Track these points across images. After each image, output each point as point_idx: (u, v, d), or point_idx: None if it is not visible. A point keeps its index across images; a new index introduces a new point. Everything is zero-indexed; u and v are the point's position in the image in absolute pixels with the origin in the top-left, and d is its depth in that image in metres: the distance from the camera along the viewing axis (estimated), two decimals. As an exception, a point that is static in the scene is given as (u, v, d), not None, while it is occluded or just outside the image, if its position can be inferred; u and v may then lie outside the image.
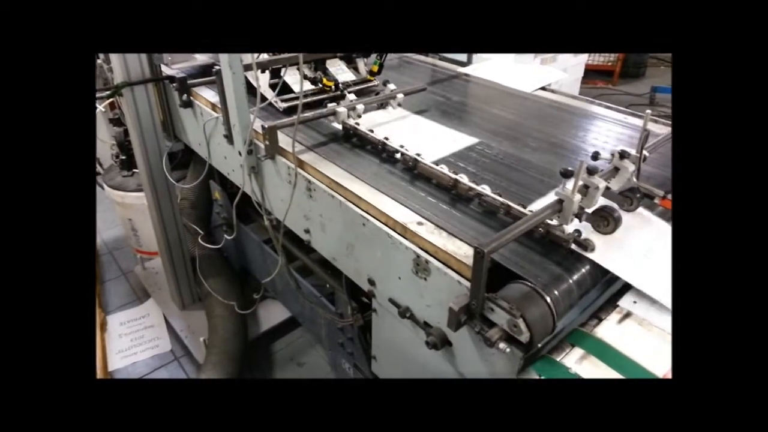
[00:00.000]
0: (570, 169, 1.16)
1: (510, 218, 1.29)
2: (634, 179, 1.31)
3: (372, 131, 1.71)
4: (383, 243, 1.35)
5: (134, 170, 2.81)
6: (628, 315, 1.16)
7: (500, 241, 1.04)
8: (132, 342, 3.06)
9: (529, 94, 2.31)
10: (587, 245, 1.16)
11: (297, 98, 1.74)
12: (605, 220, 1.24)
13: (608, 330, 1.13)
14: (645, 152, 1.34)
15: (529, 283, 1.07)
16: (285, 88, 1.99)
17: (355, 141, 1.76)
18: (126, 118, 2.49)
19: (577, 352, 1.09)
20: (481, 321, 1.07)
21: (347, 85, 2.10)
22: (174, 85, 2.20)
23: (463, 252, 1.18)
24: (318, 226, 1.65)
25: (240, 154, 1.77)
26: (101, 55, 2.46)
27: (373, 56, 2.28)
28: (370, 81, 2.23)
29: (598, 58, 7.43)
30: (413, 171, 1.54)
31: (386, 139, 1.65)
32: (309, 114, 1.77)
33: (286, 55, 2.06)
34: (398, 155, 1.60)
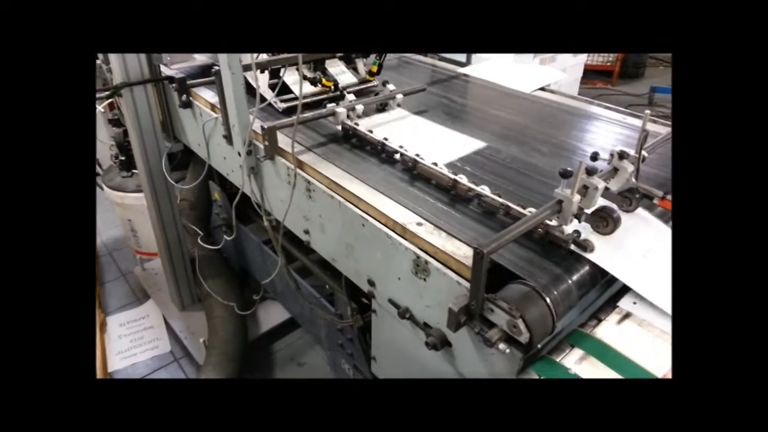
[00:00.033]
0: (569, 169, 1.16)
1: (509, 219, 1.29)
2: (633, 180, 1.31)
3: (371, 132, 1.71)
4: (383, 244, 1.35)
5: (133, 171, 2.81)
6: (627, 315, 1.16)
7: (500, 242, 1.04)
8: (132, 343, 3.06)
9: (531, 95, 2.30)
10: (586, 246, 1.16)
11: (296, 99, 1.74)
12: (604, 221, 1.24)
13: (608, 330, 1.13)
14: (644, 153, 1.34)
15: (529, 284, 1.07)
16: (284, 89, 1.99)
17: (354, 141, 1.76)
18: (125, 118, 2.49)
19: (577, 352, 1.09)
20: (480, 321, 1.07)
21: (345, 87, 2.10)
22: (173, 85, 2.20)
23: (463, 252, 1.18)
24: (317, 227, 1.64)
25: (239, 154, 1.77)
26: (100, 56, 2.46)
27: (372, 56, 2.28)
28: (369, 81, 2.23)
29: (597, 59, 7.43)
30: (413, 171, 1.54)
31: (385, 139, 1.65)
32: (308, 114, 1.77)
33: (286, 55, 2.06)
34: (397, 156, 1.60)
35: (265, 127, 1.65)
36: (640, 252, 1.23)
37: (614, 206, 1.27)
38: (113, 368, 2.90)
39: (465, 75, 2.57)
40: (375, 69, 2.26)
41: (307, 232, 1.72)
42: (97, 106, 2.50)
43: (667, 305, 1.12)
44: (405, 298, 1.34)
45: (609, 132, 1.91)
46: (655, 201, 1.36)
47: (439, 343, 1.23)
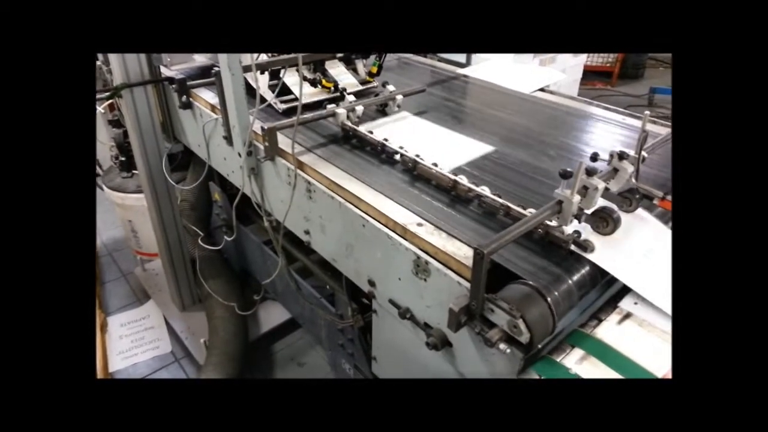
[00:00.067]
0: (569, 170, 1.16)
1: (509, 219, 1.29)
2: (633, 180, 1.31)
3: (371, 132, 1.72)
4: (383, 244, 1.35)
5: (134, 172, 2.81)
6: (628, 316, 1.16)
7: (500, 242, 1.05)
8: (132, 343, 3.06)
9: (532, 96, 2.30)
10: (587, 246, 1.16)
11: (296, 100, 1.74)
12: (604, 221, 1.24)
13: (608, 331, 1.13)
14: (644, 153, 1.34)
15: (529, 284, 1.07)
16: (284, 90, 1.99)
17: (354, 142, 1.77)
18: (125, 119, 2.49)
19: (577, 352, 1.09)
20: (481, 322, 1.07)
21: (345, 88, 2.11)
22: (173, 86, 2.20)
23: (463, 253, 1.18)
24: (318, 228, 1.65)
25: (239, 155, 1.77)
26: (100, 57, 2.46)
27: (372, 57, 2.29)
28: (369, 82, 2.23)
29: (597, 59, 7.43)
30: (413, 172, 1.54)
31: (386, 140, 1.65)
32: (308, 115, 1.78)
33: (286, 56, 2.06)
34: (398, 156, 1.60)
35: (266, 127, 1.65)
36: (640, 252, 1.23)
37: (614, 207, 1.27)
38: (114, 368, 2.90)
39: (465, 76, 2.57)
40: (375, 70, 2.26)
41: (307, 232, 1.72)
42: (97, 107, 2.50)
43: (667, 305, 1.13)
44: (405, 299, 1.34)
45: (609, 132, 1.91)
46: (655, 201, 1.36)
47: (440, 343, 1.23)
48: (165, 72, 2.38)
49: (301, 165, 1.62)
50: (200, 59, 2.50)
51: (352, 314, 1.84)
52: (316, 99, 2.05)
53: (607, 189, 1.26)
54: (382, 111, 2.03)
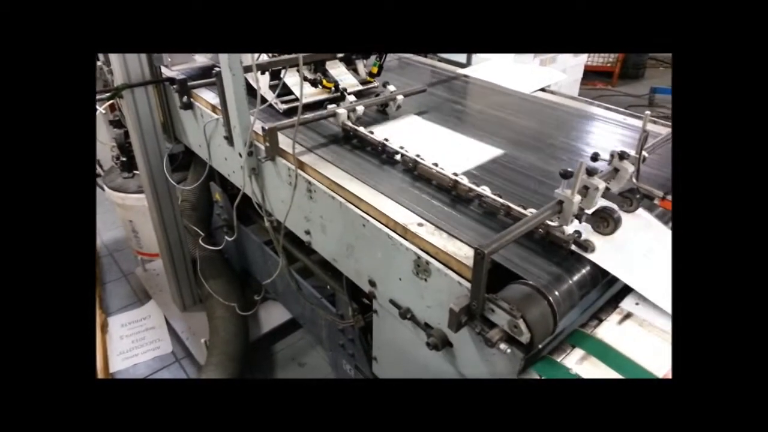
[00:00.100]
0: (569, 170, 1.16)
1: (510, 219, 1.29)
2: (634, 180, 1.31)
3: (372, 132, 1.72)
4: (383, 244, 1.35)
5: (135, 172, 2.81)
6: (628, 316, 1.16)
7: (500, 242, 1.05)
8: (133, 344, 3.06)
9: (534, 96, 2.30)
10: (587, 246, 1.16)
11: (297, 100, 1.74)
12: (605, 221, 1.24)
13: (609, 331, 1.13)
14: (644, 153, 1.34)
15: (530, 284, 1.07)
16: (285, 90, 1.99)
17: (355, 142, 1.77)
18: (126, 119, 2.50)
19: (578, 353, 1.09)
20: (481, 322, 1.07)
21: (346, 88, 2.11)
22: (174, 86, 2.20)
23: (464, 253, 1.18)
24: (318, 228, 1.65)
25: (240, 155, 1.77)
26: (101, 57, 2.46)
27: (373, 58, 2.29)
28: (369, 83, 2.23)
29: (598, 59, 7.43)
30: (413, 172, 1.55)
31: (386, 140, 1.65)
32: (309, 116, 1.78)
33: (286, 56, 2.06)
34: (398, 156, 1.60)
35: (266, 128, 1.65)
36: (641, 252, 1.23)
37: (615, 207, 1.27)
38: (115, 368, 2.90)
39: (465, 76, 2.57)
40: (375, 70, 2.26)
41: (308, 232, 1.72)
42: (98, 107, 2.50)
43: (667, 305, 1.13)
44: (406, 299, 1.35)
45: (610, 132, 1.91)
46: (656, 201, 1.36)
47: (440, 343, 1.23)
48: (166, 72, 2.38)
49: (301, 165, 1.63)
50: (201, 60, 2.50)
51: (353, 314, 1.84)
52: (316, 99, 2.05)
53: (607, 189, 1.26)
54: (383, 111, 2.03)
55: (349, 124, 1.78)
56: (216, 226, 2.96)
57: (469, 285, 1.10)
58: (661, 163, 1.58)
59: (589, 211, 1.23)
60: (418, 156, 1.54)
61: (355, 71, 2.26)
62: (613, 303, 1.21)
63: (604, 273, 1.16)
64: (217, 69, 1.65)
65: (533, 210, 1.24)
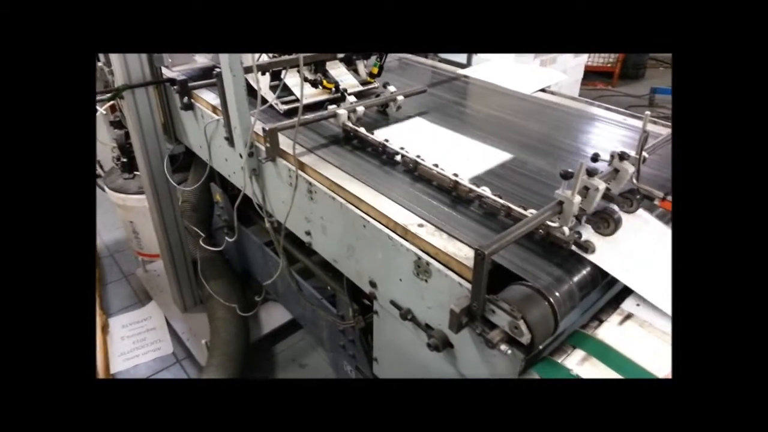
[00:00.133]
0: (570, 170, 1.16)
1: (510, 220, 1.29)
2: (634, 181, 1.31)
3: (372, 133, 1.72)
4: (384, 245, 1.35)
5: (135, 173, 2.82)
6: (629, 317, 1.16)
7: (501, 243, 1.05)
8: (134, 344, 3.06)
9: (537, 98, 2.29)
10: (587, 247, 1.16)
11: (297, 100, 1.74)
12: (605, 222, 1.24)
13: (609, 332, 1.13)
14: (645, 154, 1.34)
15: (530, 285, 1.07)
16: (285, 91, 1.99)
17: (355, 143, 1.77)
18: (127, 120, 2.50)
19: (579, 353, 1.09)
20: (482, 323, 1.07)
21: (345, 90, 2.11)
22: (175, 87, 2.20)
23: (464, 254, 1.18)
24: (319, 228, 1.65)
25: (241, 156, 1.77)
26: (102, 58, 2.47)
27: (373, 58, 2.29)
28: (370, 83, 2.24)
29: (598, 60, 7.43)
30: (414, 173, 1.55)
31: (386, 141, 1.65)
32: (309, 116, 1.78)
33: (287, 57, 2.06)
34: (398, 157, 1.60)
35: (267, 128, 1.65)
36: (641, 253, 1.23)
37: (615, 207, 1.27)
38: (116, 369, 2.90)
39: (465, 76, 2.57)
40: (375, 71, 2.26)
41: (308, 233, 1.72)
42: (98, 108, 2.50)
43: (667, 306, 1.13)
44: (406, 300, 1.35)
45: (617, 135, 1.89)
46: (656, 202, 1.36)
47: (441, 344, 1.23)
48: (166, 73, 2.38)
49: (302, 166, 1.63)
50: (201, 60, 2.50)
51: (354, 315, 1.84)
52: (317, 100, 2.05)
53: (608, 189, 1.26)
54: (383, 112, 2.03)
55: (350, 124, 1.78)
56: (216, 227, 2.96)
57: (469, 286, 1.09)
58: (661, 163, 1.58)
59: (590, 212, 1.23)
60: (418, 157, 1.54)
61: (355, 72, 2.26)
62: (614, 304, 1.20)
63: (605, 274, 1.16)
64: (218, 70, 1.65)
65: (533, 211, 1.24)
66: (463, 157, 1.69)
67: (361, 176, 1.54)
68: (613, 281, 1.19)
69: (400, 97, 2.00)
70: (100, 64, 2.49)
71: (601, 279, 1.18)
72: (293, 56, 2.05)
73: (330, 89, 2.10)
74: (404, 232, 1.30)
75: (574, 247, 1.17)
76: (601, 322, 1.16)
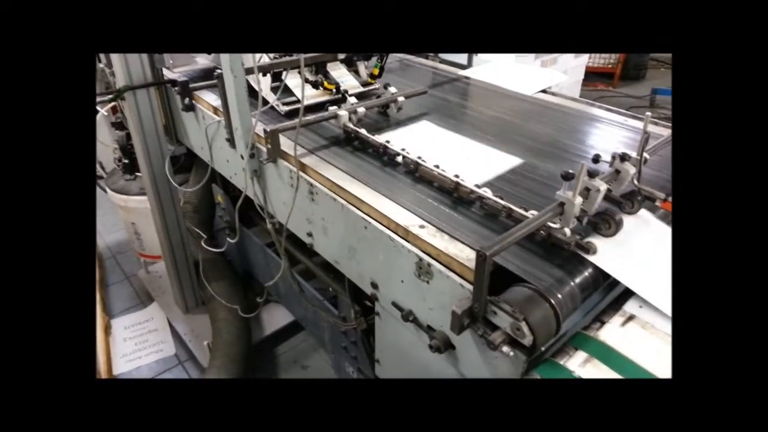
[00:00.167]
0: (571, 171, 1.16)
1: (511, 221, 1.29)
2: (636, 182, 1.31)
3: (377, 135, 1.72)
4: (385, 246, 1.35)
5: (137, 174, 2.82)
6: (631, 318, 1.16)
7: (502, 244, 1.05)
8: (136, 346, 3.06)
9: (540, 99, 2.29)
10: (589, 248, 1.16)
11: (298, 102, 1.74)
12: (607, 223, 1.24)
13: (611, 333, 1.13)
14: (646, 155, 1.34)
15: (532, 286, 1.07)
16: (286, 92, 1.99)
17: (356, 144, 1.77)
18: (128, 121, 2.50)
19: (581, 355, 1.09)
20: (484, 324, 1.07)
21: (346, 91, 2.11)
22: (176, 88, 2.21)
23: (466, 255, 1.18)
24: (320, 230, 1.65)
25: (242, 157, 1.78)
26: (103, 60, 2.47)
27: (374, 59, 2.29)
28: (371, 84, 2.24)
29: (599, 60, 7.42)
30: (415, 174, 1.55)
31: (387, 142, 1.65)
32: (310, 117, 1.78)
33: (288, 58, 2.07)
34: (399, 158, 1.60)
35: (268, 130, 1.66)
36: (643, 254, 1.23)
37: (616, 208, 1.27)
38: (118, 371, 2.90)
39: (466, 77, 2.57)
40: (376, 72, 2.27)
41: (310, 234, 1.72)
42: (100, 109, 2.51)
43: (668, 308, 1.12)
44: (408, 301, 1.34)
45: (627, 138, 1.88)
46: (657, 203, 1.36)
47: (443, 345, 1.23)
48: (168, 74, 2.38)
49: (303, 167, 1.63)
50: (203, 61, 2.50)
51: (355, 317, 1.84)
52: (318, 101, 2.05)
53: (609, 191, 1.26)
54: (384, 113, 2.03)
55: (351, 126, 1.78)
56: (218, 228, 2.97)
57: (471, 287, 1.10)
58: (662, 164, 1.57)
59: (591, 213, 1.23)
60: (419, 158, 1.54)
61: (356, 73, 2.26)
62: (616, 305, 1.20)
63: (606, 275, 1.16)
64: (219, 71, 1.65)
65: (534, 212, 1.24)
66: (473, 162, 1.67)
67: (362, 177, 1.54)
68: (615, 283, 1.19)
69: (401, 98, 2.00)
70: (101, 65, 2.49)
71: (603, 280, 1.18)
72: (294, 57, 2.05)
73: (331, 90, 2.10)
74: (405, 234, 1.30)
75: (575, 249, 1.17)
76: (603, 323, 1.16)
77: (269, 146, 1.68)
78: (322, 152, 1.71)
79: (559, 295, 1.07)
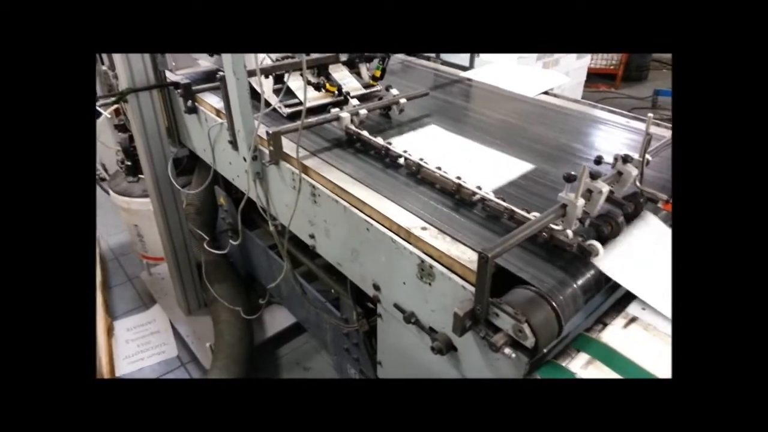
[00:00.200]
0: (573, 173, 1.16)
1: (513, 223, 1.29)
2: (638, 183, 1.31)
3: (375, 136, 1.72)
4: (387, 248, 1.35)
5: (139, 176, 2.83)
6: (633, 320, 1.16)
7: (504, 246, 1.05)
8: (139, 347, 3.07)
9: (544, 101, 2.29)
10: (591, 250, 1.16)
11: (301, 104, 1.74)
12: (608, 225, 1.24)
13: (613, 335, 1.12)
14: (648, 156, 1.34)
15: (534, 288, 1.07)
16: (288, 94, 2.00)
17: (358, 146, 1.77)
18: (131, 124, 2.51)
19: (583, 357, 1.09)
20: (486, 326, 1.07)
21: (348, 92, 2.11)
22: (179, 91, 2.21)
23: (468, 257, 1.18)
24: (322, 232, 1.65)
25: (245, 159, 1.78)
26: (106, 62, 2.48)
27: (376, 61, 2.29)
28: (372, 86, 2.24)
29: (601, 62, 7.42)
30: (417, 176, 1.55)
31: (389, 143, 1.65)
32: (313, 119, 1.78)
33: (290, 60, 2.07)
34: (401, 160, 1.60)
35: (270, 132, 1.66)
36: (644, 256, 1.22)
37: (618, 210, 1.27)
38: (120, 372, 2.90)
39: (468, 79, 2.57)
40: (378, 74, 2.27)
41: (312, 236, 1.72)
42: (103, 111, 2.51)
43: (668, 311, 1.12)
44: (410, 303, 1.35)
45: (621, 137, 1.89)
46: (660, 205, 1.35)
47: (445, 347, 1.23)
48: (170, 77, 2.39)
49: (305, 169, 1.63)
50: (205, 64, 2.51)
51: (357, 318, 1.84)
52: (320, 103, 2.06)
53: (611, 192, 1.25)
54: (386, 115, 2.03)
55: (353, 127, 1.78)
56: (221, 230, 2.97)
57: (473, 289, 1.09)
58: (664, 166, 1.57)
59: (593, 215, 1.23)
60: (421, 160, 1.54)
61: (358, 75, 2.27)
62: (619, 307, 1.20)
63: (608, 277, 1.16)
64: (221, 73, 1.66)
65: (537, 214, 1.24)
66: (486, 168, 1.64)
67: (365, 179, 1.54)
68: (618, 284, 1.19)
69: (403, 100, 2.00)
70: (104, 67, 2.50)
71: (605, 282, 1.18)
72: (296, 59, 2.05)
73: (333, 92, 2.10)
74: (407, 235, 1.30)
75: (577, 251, 1.17)
76: (605, 325, 1.16)
77: (272, 148, 1.68)
78: (325, 154, 1.71)
79: (561, 297, 1.07)
